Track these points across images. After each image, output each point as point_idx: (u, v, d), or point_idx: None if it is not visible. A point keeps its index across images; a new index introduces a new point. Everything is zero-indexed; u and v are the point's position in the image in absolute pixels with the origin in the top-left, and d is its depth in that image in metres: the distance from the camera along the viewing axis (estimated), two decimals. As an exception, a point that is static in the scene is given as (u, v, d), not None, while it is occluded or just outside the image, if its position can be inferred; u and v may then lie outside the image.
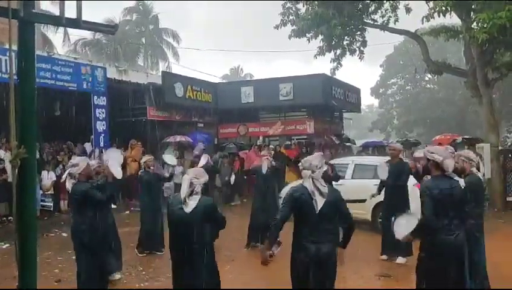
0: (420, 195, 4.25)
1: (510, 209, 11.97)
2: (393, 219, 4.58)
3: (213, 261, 4.15)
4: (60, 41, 29.69)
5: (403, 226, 4.37)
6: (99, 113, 12.04)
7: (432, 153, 4.26)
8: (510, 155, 13.11)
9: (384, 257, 7.25)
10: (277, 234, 4.06)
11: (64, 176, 5.33)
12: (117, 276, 6.34)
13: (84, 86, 11.76)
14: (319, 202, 3.90)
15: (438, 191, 4.09)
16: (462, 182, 4.26)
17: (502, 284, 5.78)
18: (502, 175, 12.49)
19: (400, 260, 7.06)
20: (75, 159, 5.50)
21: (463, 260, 4.15)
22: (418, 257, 4.42)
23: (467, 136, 15.22)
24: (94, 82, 11.97)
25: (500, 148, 13.21)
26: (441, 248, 4.08)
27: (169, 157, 8.99)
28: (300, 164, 4.15)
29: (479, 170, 5.18)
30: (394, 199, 7.08)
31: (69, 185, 5.19)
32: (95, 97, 11.98)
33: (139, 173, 8.27)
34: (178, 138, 14.78)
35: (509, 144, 16.62)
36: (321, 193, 3.91)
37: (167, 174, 8.49)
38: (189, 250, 4.01)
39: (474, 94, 13.47)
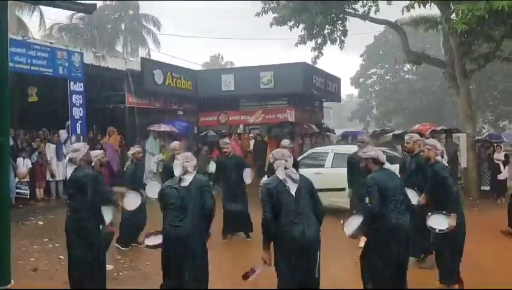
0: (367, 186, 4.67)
1: (485, 198, 12.26)
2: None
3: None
4: (35, 26, 28.89)
5: (352, 224, 4.88)
6: (76, 100, 11.77)
7: (366, 152, 4.89)
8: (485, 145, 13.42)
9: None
10: (272, 235, 4.20)
11: (64, 162, 5.06)
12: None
13: (60, 71, 11.48)
14: (292, 187, 4.17)
15: (383, 182, 4.58)
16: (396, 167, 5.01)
17: (474, 272, 5.92)
18: (477, 165, 12.77)
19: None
20: (75, 145, 5.26)
21: (409, 240, 4.64)
22: (364, 246, 4.78)
23: (445, 128, 15.43)
24: (70, 67, 11.69)
25: (476, 138, 13.51)
26: (394, 230, 4.51)
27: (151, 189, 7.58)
28: (271, 156, 4.42)
29: (442, 158, 5.52)
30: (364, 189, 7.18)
31: (69, 169, 4.91)
32: (72, 83, 11.71)
33: (126, 164, 7.90)
34: (162, 127, 14.66)
35: (485, 134, 17.01)
36: (293, 179, 4.20)
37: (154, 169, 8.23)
38: (185, 221, 4.35)
39: (452, 85, 13.67)
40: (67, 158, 4.96)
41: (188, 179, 4.50)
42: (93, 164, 5.66)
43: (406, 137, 6.33)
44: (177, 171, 4.55)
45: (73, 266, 4.85)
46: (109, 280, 5.85)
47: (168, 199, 4.48)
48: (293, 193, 4.16)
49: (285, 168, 4.23)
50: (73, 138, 11.78)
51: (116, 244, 7.25)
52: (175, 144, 8.07)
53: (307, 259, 4.13)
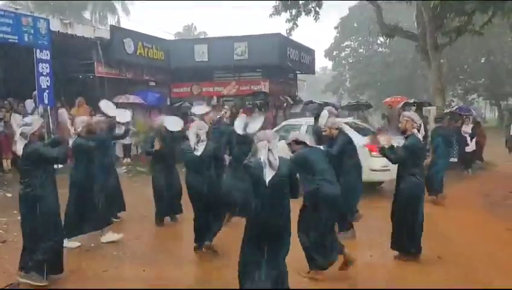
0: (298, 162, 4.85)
1: (451, 169, 12.60)
2: None
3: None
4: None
5: None
6: (43, 68, 11.34)
7: (289, 137, 5.18)
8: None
9: None
10: (248, 210, 4.31)
11: (16, 137, 4.83)
12: (74, 244, 5.99)
13: (26, 38, 11.01)
14: (269, 174, 3.93)
15: (304, 158, 4.91)
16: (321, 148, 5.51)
17: (438, 242, 6.12)
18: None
19: None
20: (28, 118, 5.10)
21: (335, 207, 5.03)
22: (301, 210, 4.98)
23: (417, 100, 15.67)
24: (36, 35, 11.21)
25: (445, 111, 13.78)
26: (327, 198, 4.86)
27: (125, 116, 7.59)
28: (255, 137, 4.24)
29: (419, 132, 5.50)
30: (335, 161, 7.30)
31: (20, 146, 4.71)
32: (38, 51, 11.25)
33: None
34: (121, 99, 14.31)
35: (454, 107, 17.38)
36: (271, 165, 3.95)
37: (120, 131, 7.93)
38: (201, 184, 5.48)
39: (423, 58, 13.85)
40: (18, 133, 4.73)
41: (200, 149, 5.43)
42: (79, 130, 5.81)
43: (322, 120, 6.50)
44: (192, 140, 5.44)
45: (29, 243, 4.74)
46: (80, 253, 5.85)
47: (186, 162, 5.67)
48: (268, 180, 3.93)
49: (269, 149, 4.00)
50: (41, 108, 11.43)
51: None
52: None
53: (275, 248, 4.03)
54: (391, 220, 5.52)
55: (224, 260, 5.43)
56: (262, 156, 3.98)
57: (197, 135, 5.47)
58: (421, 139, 5.53)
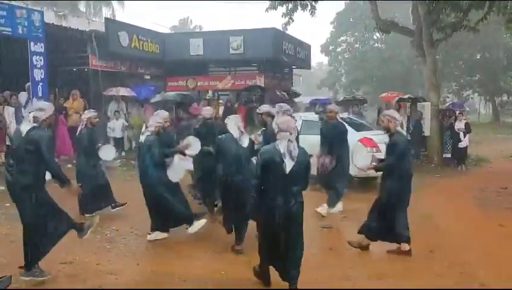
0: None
1: (446, 165, 12.68)
2: None
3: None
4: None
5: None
6: (37, 61, 11.25)
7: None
8: (447, 114, 13.77)
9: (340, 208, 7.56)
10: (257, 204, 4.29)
11: (29, 118, 4.68)
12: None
13: (20, 30, 10.93)
14: (289, 165, 4.04)
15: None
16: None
17: (433, 234, 6.16)
18: (440, 133, 13.12)
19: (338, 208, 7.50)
20: (41, 103, 5.22)
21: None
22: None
23: (412, 96, 15.69)
24: (31, 27, 11.13)
25: (440, 107, 13.81)
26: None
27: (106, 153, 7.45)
28: (276, 125, 4.25)
29: (402, 128, 5.60)
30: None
31: (25, 127, 4.63)
32: (32, 43, 11.17)
33: (80, 129, 7.43)
34: (111, 92, 14.22)
35: (448, 103, 17.43)
36: (291, 156, 4.06)
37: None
38: (243, 174, 5.32)
39: (419, 53, 13.85)
40: (30, 116, 4.66)
41: (245, 141, 5.41)
42: (160, 125, 5.80)
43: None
44: (235, 132, 5.39)
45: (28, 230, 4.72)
46: (74, 246, 5.81)
47: (228, 152, 5.37)
48: (287, 171, 4.04)
49: (289, 140, 4.08)
50: (35, 101, 11.33)
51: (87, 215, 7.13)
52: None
53: (288, 239, 4.14)
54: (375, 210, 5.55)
55: (229, 255, 5.45)
56: (282, 147, 4.06)
57: (239, 128, 5.40)
58: (405, 133, 5.61)
